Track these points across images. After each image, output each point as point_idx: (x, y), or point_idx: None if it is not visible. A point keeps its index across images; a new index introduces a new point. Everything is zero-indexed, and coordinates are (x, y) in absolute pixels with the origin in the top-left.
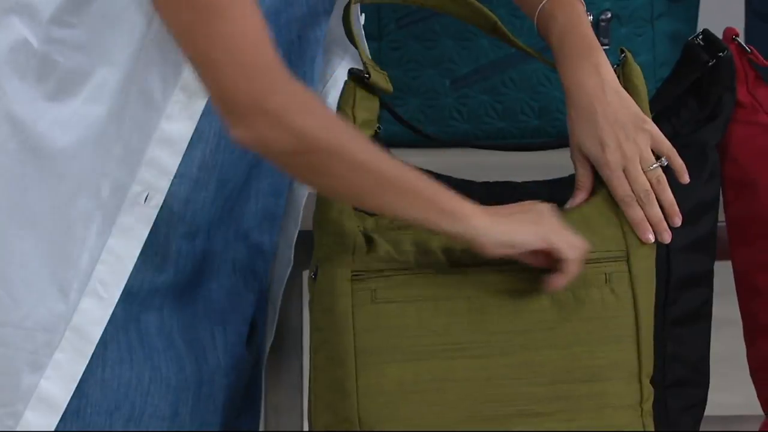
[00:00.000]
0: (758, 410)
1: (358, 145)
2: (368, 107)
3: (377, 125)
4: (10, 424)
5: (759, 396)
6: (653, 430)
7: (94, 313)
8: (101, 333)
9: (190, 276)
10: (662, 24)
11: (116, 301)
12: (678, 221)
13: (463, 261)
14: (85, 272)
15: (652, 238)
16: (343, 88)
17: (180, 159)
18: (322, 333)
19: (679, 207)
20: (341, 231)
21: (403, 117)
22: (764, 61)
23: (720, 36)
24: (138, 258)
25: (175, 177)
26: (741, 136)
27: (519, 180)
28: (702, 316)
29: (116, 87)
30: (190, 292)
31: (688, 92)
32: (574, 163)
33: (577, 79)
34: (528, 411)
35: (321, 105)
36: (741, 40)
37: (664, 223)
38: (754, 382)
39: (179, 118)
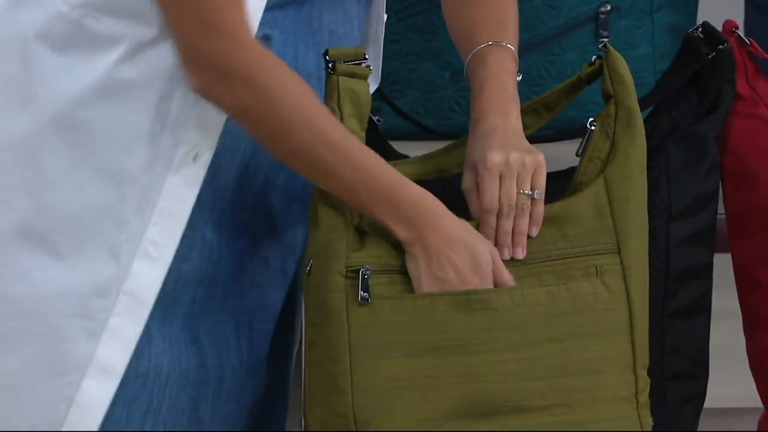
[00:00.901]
0: (758, 402)
1: (318, 116)
2: (355, 100)
3: (371, 116)
4: (69, 394)
5: (758, 388)
6: (650, 421)
7: (148, 275)
8: (156, 295)
9: (217, 267)
10: (662, 16)
11: (169, 262)
12: (519, 254)
13: None
14: (136, 235)
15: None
16: (326, 83)
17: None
18: (317, 329)
19: (678, 200)
20: (334, 226)
21: (402, 109)
22: (764, 53)
23: (720, 28)
24: None
25: None
26: (741, 128)
27: None
28: (702, 308)
29: (154, 48)
30: (222, 286)
31: (688, 85)
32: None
33: (484, 118)
34: (524, 406)
35: (285, 71)
36: (741, 32)
37: (509, 239)
38: (754, 375)
39: None
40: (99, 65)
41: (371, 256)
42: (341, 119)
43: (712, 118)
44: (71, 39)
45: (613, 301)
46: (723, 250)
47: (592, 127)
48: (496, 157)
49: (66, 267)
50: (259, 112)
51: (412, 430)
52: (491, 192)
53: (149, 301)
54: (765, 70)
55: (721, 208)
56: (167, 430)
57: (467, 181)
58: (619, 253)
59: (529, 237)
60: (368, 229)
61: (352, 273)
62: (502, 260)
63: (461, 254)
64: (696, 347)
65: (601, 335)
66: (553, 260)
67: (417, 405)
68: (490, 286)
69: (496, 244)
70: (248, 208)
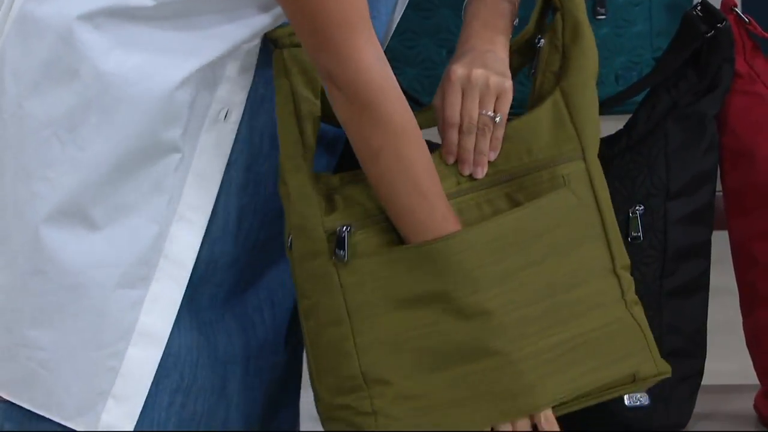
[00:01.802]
0: (754, 380)
1: (410, 154)
2: (304, 68)
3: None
4: (114, 364)
5: (755, 365)
6: (644, 318)
7: (185, 238)
8: (194, 258)
9: (251, 252)
10: None
11: (205, 224)
12: (479, 173)
13: None
14: (174, 198)
15: (451, 160)
16: (273, 60)
17: (254, 70)
18: (310, 299)
19: (677, 178)
20: (306, 195)
21: (401, 86)
22: (762, 31)
23: (718, 6)
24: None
25: (236, 143)
26: (738, 106)
27: None
28: (699, 287)
29: (196, 16)
30: (251, 268)
31: (687, 63)
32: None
33: (466, 41)
34: (527, 332)
35: (397, 102)
36: (739, 10)
37: (471, 157)
38: (751, 352)
39: (257, 34)
40: (147, 38)
41: (345, 217)
42: (292, 90)
43: (711, 97)
44: (117, 17)
45: (583, 208)
46: (720, 228)
47: (540, 43)
48: (459, 70)
49: (105, 238)
50: (358, 132)
51: (425, 378)
52: (452, 106)
53: (188, 263)
54: (763, 47)
55: (718, 186)
56: (197, 407)
57: (436, 98)
58: (584, 159)
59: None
60: (336, 193)
61: (333, 235)
62: (463, 176)
63: None
64: (693, 326)
65: (579, 245)
66: (521, 177)
67: (423, 354)
68: None
69: (457, 160)
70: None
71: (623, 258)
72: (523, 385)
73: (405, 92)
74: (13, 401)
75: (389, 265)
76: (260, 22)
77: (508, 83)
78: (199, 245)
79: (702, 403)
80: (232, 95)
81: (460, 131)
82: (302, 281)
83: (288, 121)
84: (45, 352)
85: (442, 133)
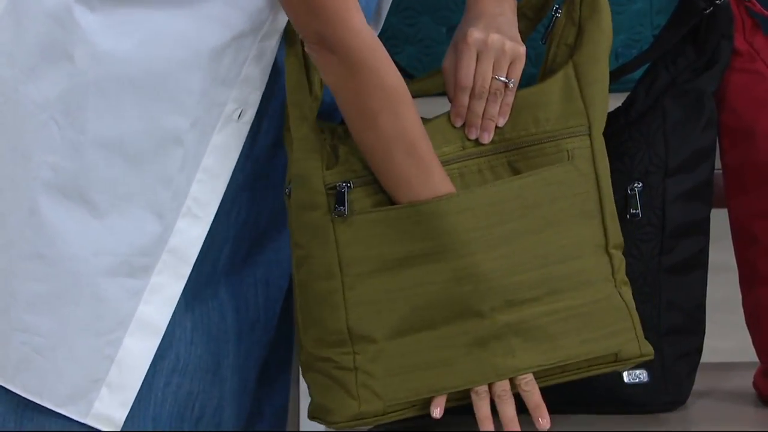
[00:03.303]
0: (753, 357)
1: (404, 115)
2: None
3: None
4: (110, 353)
5: (755, 343)
6: (631, 298)
7: (191, 233)
8: (198, 253)
9: (244, 228)
10: None
11: (211, 220)
12: (485, 138)
13: None
14: (180, 192)
15: (459, 123)
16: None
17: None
18: (304, 249)
19: (675, 155)
20: (309, 146)
21: (399, 64)
22: (762, 9)
23: None
24: None
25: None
26: (738, 84)
27: None
28: (698, 264)
29: (206, 2)
30: (246, 245)
31: (686, 40)
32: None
33: (476, 4)
34: (515, 300)
35: (388, 63)
36: None
37: (479, 121)
38: (750, 330)
39: (275, 35)
40: (144, 20)
41: (347, 171)
42: (301, 39)
43: (710, 74)
44: None
45: (584, 185)
46: (720, 206)
47: (557, 14)
48: (476, 34)
49: (106, 226)
50: (355, 96)
51: (409, 338)
52: (467, 68)
53: (191, 258)
54: (763, 25)
55: (717, 164)
56: (193, 387)
57: (447, 61)
58: (590, 135)
59: (496, 126)
60: (340, 144)
61: (332, 190)
62: (469, 140)
63: None
64: (692, 302)
65: (575, 220)
66: (526, 147)
67: (411, 313)
68: None
69: (464, 124)
70: (280, 171)
71: (617, 237)
72: (506, 350)
73: (404, 71)
74: (5, 386)
75: (385, 223)
76: (257, 10)
77: (522, 49)
78: (203, 240)
79: (701, 381)
80: (248, 95)
81: (471, 95)
82: (298, 230)
83: (295, 67)
84: (41, 337)
85: (453, 95)
